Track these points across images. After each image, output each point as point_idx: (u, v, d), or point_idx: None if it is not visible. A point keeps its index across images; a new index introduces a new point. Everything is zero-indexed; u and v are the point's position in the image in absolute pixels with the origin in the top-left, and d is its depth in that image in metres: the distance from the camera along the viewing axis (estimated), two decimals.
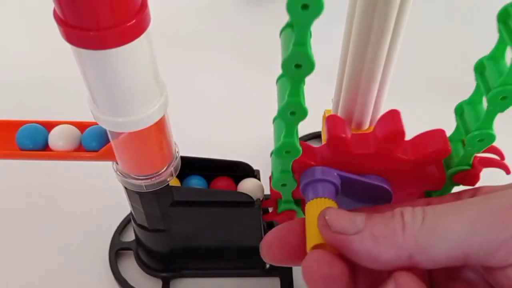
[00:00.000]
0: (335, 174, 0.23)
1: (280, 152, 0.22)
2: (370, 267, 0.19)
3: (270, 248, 0.22)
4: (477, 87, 0.22)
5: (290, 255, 0.22)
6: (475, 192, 0.21)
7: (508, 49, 0.20)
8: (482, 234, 0.17)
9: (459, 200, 0.19)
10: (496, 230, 0.17)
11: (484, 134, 0.21)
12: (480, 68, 0.21)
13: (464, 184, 0.24)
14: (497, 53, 0.20)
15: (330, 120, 0.23)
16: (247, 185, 0.28)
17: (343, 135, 0.22)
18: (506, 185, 0.20)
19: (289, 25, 0.19)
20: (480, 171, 0.24)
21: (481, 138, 0.22)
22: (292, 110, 0.19)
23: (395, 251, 0.18)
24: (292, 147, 0.22)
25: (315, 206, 0.22)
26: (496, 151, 0.24)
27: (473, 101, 0.22)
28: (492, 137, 0.22)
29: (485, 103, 0.21)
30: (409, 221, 0.18)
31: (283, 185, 0.24)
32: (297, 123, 0.20)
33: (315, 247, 0.20)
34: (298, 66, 0.18)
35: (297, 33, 0.17)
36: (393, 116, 0.22)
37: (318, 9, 0.16)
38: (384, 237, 0.18)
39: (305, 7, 0.16)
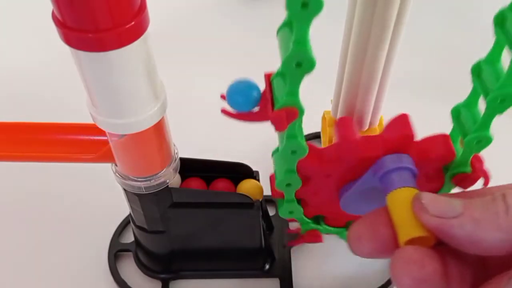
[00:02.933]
0: (409, 158, 0.22)
1: (285, 152, 0.22)
2: (471, 252, 0.18)
3: (359, 240, 0.21)
4: (474, 89, 0.22)
5: (383, 248, 0.20)
6: None
7: (504, 52, 0.20)
8: None
9: None
10: None
11: (481, 137, 0.22)
12: (477, 71, 0.21)
13: (462, 186, 0.24)
14: (494, 56, 0.20)
15: (341, 122, 0.23)
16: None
17: (355, 138, 0.22)
18: None
19: (286, 25, 0.19)
20: (479, 176, 0.24)
21: (479, 140, 0.22)
22: (298, 60, 0.18)
23: (499, 234, 0.17)
24: (299, 147, 0.22)
25: (401, 196, 0.20)
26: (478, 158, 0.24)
27: (470, 103, 0.22)
28: (489, 140, 0.22)
29: (481, 106, 0.21)
30: None
31: (288, 185, 0.24)
32: (302, 76, 0.19)
33: (409, 241, 0.19)
34: (298, 64, 0.17)
35: (297, 31, 0.16)
36: (403, 120, 0.22)
37: (318, 7, 0.15)
38: (487, 220, 0.17)
39: (305, 5, 0.15)
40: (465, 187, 0.24)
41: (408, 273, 0.18)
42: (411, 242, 0.19)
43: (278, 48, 0.19)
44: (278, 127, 0.20)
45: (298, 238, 0.29)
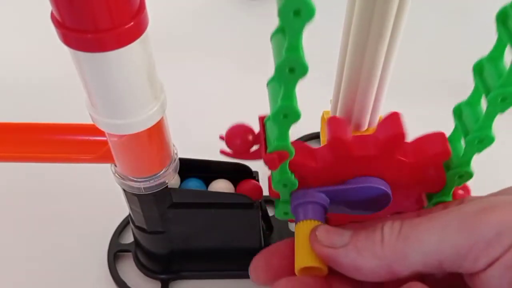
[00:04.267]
0: (323, 195, 0.24)
1: (278, 185, 0.23)
2: (355, 278, 0.20)
3: (255, 270, 0.23)
4: (476, 88, 0.22)
5: (275, 277, 0.22)
6: (461, 202, 0.22)
7: (507, 50, 0.19)
8: (451, 241, 0.19)
9: (438, 211, 0.21)
10: (463, 236, 0.18)
11: (483, 136, 0.21)
12: (479, 69, 0.21)
13: None
14: (496, 54, 0.20)
15: (332, 122, 0.23)
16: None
17: (345, 138, 0.22)
18: (485, 195, 0.21)
19: (279, 31, 0.19)
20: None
21: (481, 139, 0.22)
22: (285, 113, 0.20)
23: (376, 261, 0.20)
24: (289, 181, 0.23)
25: (305, 228, 0.22)
26: (465, 187, 0.25)
27: (472, 102, 0.22)
28: (491, 139, 0.22)
29: (483, 104, 0.21)
30: (387, 233, 0.20)
31: (284, 185, 0.24)
32: (289, 126, 0.21)
33: (302, 270, 0.21)
34: (292, 70, 0.18)
35: (290, 38, 0.17)
36: (395, 118, 0.22)
37: (309, 14, 0.16)
38: (366, 249, 0.20)
39: (297, 13, 0.16)
40: None
41: None
42: (305, 271, 0.21)
43: (271, 54, 0.20)
44: (271, 167, 0.23)
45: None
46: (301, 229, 0.23)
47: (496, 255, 0.18)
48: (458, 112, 0.23)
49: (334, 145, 0.22)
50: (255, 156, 0.25)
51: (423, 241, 0.19)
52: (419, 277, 0.20)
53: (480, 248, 0.18)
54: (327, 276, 0.21)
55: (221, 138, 0.25)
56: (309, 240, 0.21)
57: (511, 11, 0.19)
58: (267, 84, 0.22)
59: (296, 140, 0.23)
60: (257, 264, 0.24)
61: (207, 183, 0.29)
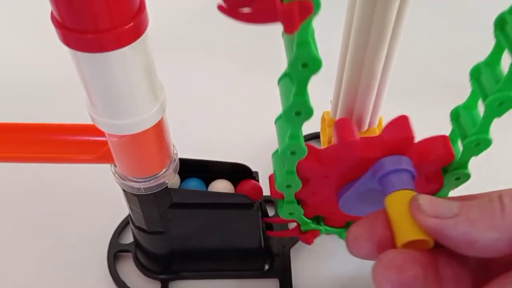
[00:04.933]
0: (410, 161, 0.22)
1: (285, 153, 0.22)
2: (468, 254, 0.18)
3: (357, 241, 0.21)
4: (473, 92, 0.22)
5: (380, 250, 0.20)
6: None
7: (504, 55, 0.20)
8: None
9: None
10: None
11: (480, 139, 0.21)
12: (476, 74, 0.21)
13: None
14: (493, 59, 0.20)
15: (340, 124, 0.23)
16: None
17: (354, 140, 0.22)
18: None
19: (287, 75, 0.20)
20: None
21: (478, 142, 0.22)
22: (297, 110, 0.19)
23: (494, 234, 0.17)
24: (298, 148, 0.22)
25: (401, 198, 0.20)
26: None
27: (469, 105, 0.22)
28: (489, 142, 0.22)
29: (481, 108, 0.21)
30: (508, 203, 0.18)
31: (288, 186, 0.24)
32: (302, 123, 0.20)
33: (406, 244, 0.19)
34: (298, 113, 0.19)
35: (297, 86, 0.18)
36: (403, 121, 0.22)
37: (316, 67, 0.17)
38: (482, 220, 0.18)
39: (304, 65, 0.17)
40: None
41: (386, 277, 0.18)
42: (409, 245, 0.19)
43: (279, 49, 0.20)
44: (289, 26, 0.17)
45: (295, 230, 0.29)
46: (397, 200, 0.21)
47: None
48: (455, 115, 0.23)
49: (343, 148, 0.22)
50: (266, 15, 0.17)
51: None
52: None
53: None
54: (431, 251, 0.19)
55: None
56: (410, 210, 0.19)
57: (509, 17, 0.19)
58: (278, 82, 0.21)
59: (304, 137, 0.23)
60: (359, 233, 0.21)
61: (207, 183, 0.29)
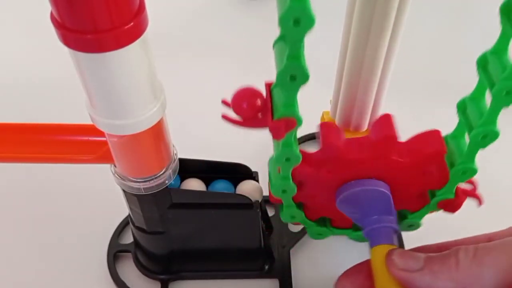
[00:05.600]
0: (393, 218, 0.25)
1: (280, 160, 0.22)
2: None
3: None
4: (480, 82, 0.21)
5: None
6: None
7: (511, 42, 0.19)
8: None
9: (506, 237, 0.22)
10: None
11: (488, 131, 0.21)
12: (483, 63, 0.21)
13: (446, 210, 0.26)
14: (500, 47, 0.20)
15: (324, 128, 0.23)
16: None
17: (336, 142, 0.22)
18: None
19: (281, 38, 0.19)
20: (463, 200, 0.25)
21: (485, 134, 0.21)
22: (292, 73, 0.18)
23: (452, 284, 0.21)
24: (292, 154, 0.22)
25: (382, 252, 0.24)
26: (471, 182, 0.25)
27: (476, 96, 0.22)
28: (496, 134, 0.21)
29: (488, 99, 0.21)
30: (462, 257, 0.21)
31: (284, 191, 0.24)
32: (298, 88, 0.19)
33: None
34: (293, 77, 0.18)
35: (291, 46, 0.17)
36: (386, 120, 0.22)
37: (309, 24, 0.16)
38: (442, 273, 0.21)
39: (296, 22, 0.16)
40: (449, 211, 0.25)
41: None
42: None
43: (271, 54, 0.20)
44: (276, 136, 0.21)
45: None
46: (378, 253, 0.24)
47: None
48: (462, 107, 0.23)
49: (327, 150, 0.22)
50: (259, 124, 0.23)
51: (497, 264, 0.20)
52: None
53: None
54: None
55: (224, 103, 0.23)
56: (385, 263, 0.23)
57: (490, 57, 0.19)
58: (273, 46, 0.20)
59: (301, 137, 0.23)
60: (344, 284, 0.25)
61: (207, 183, 0.29)
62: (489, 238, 0.24)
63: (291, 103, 0.20)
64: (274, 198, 0.25)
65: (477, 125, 0.21)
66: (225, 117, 0.23)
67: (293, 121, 0.20)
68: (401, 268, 0.22)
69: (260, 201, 0.28)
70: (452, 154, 0.23)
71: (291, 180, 0.24)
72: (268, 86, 0.22)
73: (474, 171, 0.23)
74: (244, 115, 0.22)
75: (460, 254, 0.21)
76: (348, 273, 0.26)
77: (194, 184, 0.28)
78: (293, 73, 0.18)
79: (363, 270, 0.25)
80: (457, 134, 0.24)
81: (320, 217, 0.28)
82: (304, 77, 0.18)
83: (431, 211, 0.26)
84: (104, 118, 0.21)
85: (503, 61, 0.20)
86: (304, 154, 0.23)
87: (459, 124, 0.23)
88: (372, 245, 0.25)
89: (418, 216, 0.27)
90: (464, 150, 0.23)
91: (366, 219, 0.25)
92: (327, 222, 0.29)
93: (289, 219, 0.27)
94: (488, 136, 0.21)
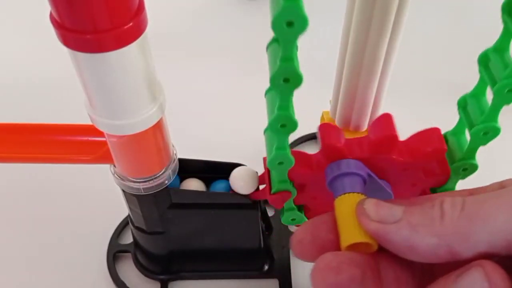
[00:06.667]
0: (361, 164, 0.22)
1: (273, 163, 0.22)
2: (407, 257, 0.18)
3: (300, 243, 0.21)
4: (481, 79, 0.21)
5: (321, 252, 0.20)
6: None
7: None
8: None
9: (500, 189, 0.19)
10: None
11: (489, 127, 0.21)
12: (484, 60, 0.20)
13: None
14: (502, 45, 0.20)
15: (323, 129, 0.23)
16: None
17: (336, 142, 0.22)
18: None
19: (275, 40, 0.19)
20: None
21: (486, 131, 0.21)
22: (282, 123, 0.20)
23: (434, 240, 0.17)
24: (284, 158, 0.22)
25: (348, 201, 0.21)
26: None
27: (477, 93, 0.22)
28: (497, 130, 0.21)
29: (489, 96, 0.20)
30: (448, 209, 0.18)
31: (280, 163, 0.24)
32: (288, 135, 0.21)
33: (350, 247, 0.19)
34: (286, 80, 0.18)
35: (284, 48, 0.17)
36: (386, 120, 0.22)
37: (302, 26, 0.16)
38: (422, 226, 0.18)
39: (290, 24, 0.16)
40: None
41: (323, 279, 0.18)
42: (352, 247, 0.19)
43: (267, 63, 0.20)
44: (277, 207, 0.25)
45: (263, 193, 0.28)
46: (344, 203, 0.21)
47: None
48: (463, 103, 0.23)
49: (327, 151, 0.22)
50: (260, 196, 0.27)
51: (491, 218, 0.17)
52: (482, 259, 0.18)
53: None
54: (374, 254, 0.19)
55: None
56: (355, 214, 0.20)
57: (491, 54, 0.19)
58: (265, 94, 0.22)
59: (292, 149, 0.23)
60: (302, 236, 0.21)
61: (207, 184, 0.29)
62: (470, 192, 0.21)
63: (285, 179, 0.23)
64: (273, 200, 0.25)
65: (478, 122, 0.21)
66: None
67: (289, 194, 0.24)
68: (375, 220, 0.19)
69: (260, 201, 0.28)
70: (452, 151, 0.23)
71: (289, 184, 0.24)
72: (265, 161, 0.24)
73: (475, 168, 0.23)
74: (242, 192, 0.27)
75: (445, 206, 0.18)
76: (306, 225, 0.21)
77: (194, 184, 0.28)
78: (286, 76, 0.18)
79: (324, 222, 0.21)
80: (457, 131, 0.23)
81: None
82: (298, 80, 0.18)
83: None
84: (104, 118, 0.21)
85: (505, 58, 0.19)
86: (304, 155, 0.23)
87: (459, 121, 0.23)
88: (336, 195, 0.22)
89: None
90: (465, 147, 0.22)
91: (329, 167, 0.23)
92: None
93: (289, 222, 0.27)
94: (489, 132, 0.21)
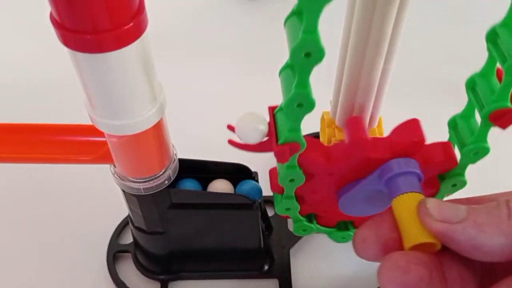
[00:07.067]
0: (417, 163, 0.22)
1: (285, 180, 0.22)
2: (474, 258, 0.18)
3: (363, 242, 0.21)
4: (470, 102, 0.22)
5: (387, 252, 0.20)
6: None
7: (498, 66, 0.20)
8: None
9: None
10: None
11: (478, 148, 0.22)
12: (471, 85, 0.21)
13: (497, 125, 0.23)
14: (488, 71, 0.20)
15: (351, 122, 0.23)
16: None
17: (366, 139, 0.22)
18: None
19: (294, 13, 0.19)
20: None
21: (476, 151, 0.22)
22: (299, 102, 0.19)
23: (501, 239, 0.17)
24: (296, 175, 0.22)
25: (408, 201, 0.21)
26: None
27: (466, 115, 0.23)
28: (487, 150, 0.22)
29: (478, 116, 0.21)
30: None
31: (291, 180, 0.24)
32: (302, 116, 0.20)
33: (414, 247, 0.19)
34: (308, 54, 0.17)
35: (307, 20, 0.16)
36: (414, 125, 0.22)
37: (319, 57, 0.16)
38: (489, 225, 0.18)
39: (307, 55, 0.16)
40: (504, 126, 0.22)
41: (392, 279, 0.18)
42: (416, 247, 0.19)
43: (277, 48, 0.20)
44: (281, 160, 0.22)
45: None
46: (404, 203, 0.21)
47: None
48: (453, 124, 0.23)
49: (354, 146, 0.22)
50: (264, 148, 0.23)
51: None
52: None
53: None
54: (437, 253, 0.19)
55: (229, 127, 0.24)
56: (417, 214, 0.20)
57: (500, 30, 0.19)
58: (279, 73, 0.21)
59: (308, 136, 0.22)
60: (366, 235, 0.21)
61: (207, 184, 0.29)
62: None
63: (296, 128, 0.21)
64: (277, 187, 0.25)
65: (469, 142, 0.22)
66: (231, 142, 0.23)
67: (297, 146, 0.21)
68: (438, 219, 0.19)
69: (260, 201, 0.28)
70: (462, 134, 0.23)
71: (299, 170, 0.23)
72: (272, 110, 0.23)
73: (463, 184, 0.23)
74: (248, 141, 0.23)
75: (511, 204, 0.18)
76: (370, 224, 0.21)
77: (222, 185, 0.28)
78: (300, 102, 0.19)
79: (386, 220, 0.21)
80: (466, 113, 0.23)
81: (308, 213, 0.28)
82: (311, 105, 0.19)
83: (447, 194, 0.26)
84: (104, 119, 0.21)
85: (491, 83, 0.20)
86: (322, 146, 0.23)
87: (468, 103, 0.23)
88: (393, 195, 0.21)
89: None
90: (475, 129, 0.22)
91: (385, 167, 0.22)
92: (313, 219, 0.29)
93: (283, 211, 0.27)
94: (479, 152, 0.22)
